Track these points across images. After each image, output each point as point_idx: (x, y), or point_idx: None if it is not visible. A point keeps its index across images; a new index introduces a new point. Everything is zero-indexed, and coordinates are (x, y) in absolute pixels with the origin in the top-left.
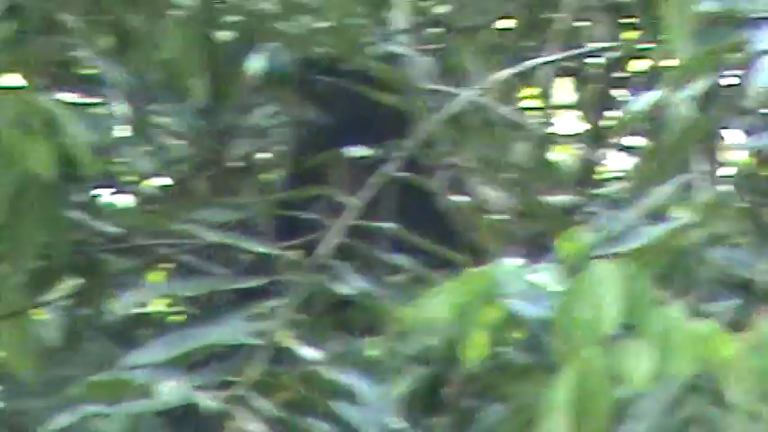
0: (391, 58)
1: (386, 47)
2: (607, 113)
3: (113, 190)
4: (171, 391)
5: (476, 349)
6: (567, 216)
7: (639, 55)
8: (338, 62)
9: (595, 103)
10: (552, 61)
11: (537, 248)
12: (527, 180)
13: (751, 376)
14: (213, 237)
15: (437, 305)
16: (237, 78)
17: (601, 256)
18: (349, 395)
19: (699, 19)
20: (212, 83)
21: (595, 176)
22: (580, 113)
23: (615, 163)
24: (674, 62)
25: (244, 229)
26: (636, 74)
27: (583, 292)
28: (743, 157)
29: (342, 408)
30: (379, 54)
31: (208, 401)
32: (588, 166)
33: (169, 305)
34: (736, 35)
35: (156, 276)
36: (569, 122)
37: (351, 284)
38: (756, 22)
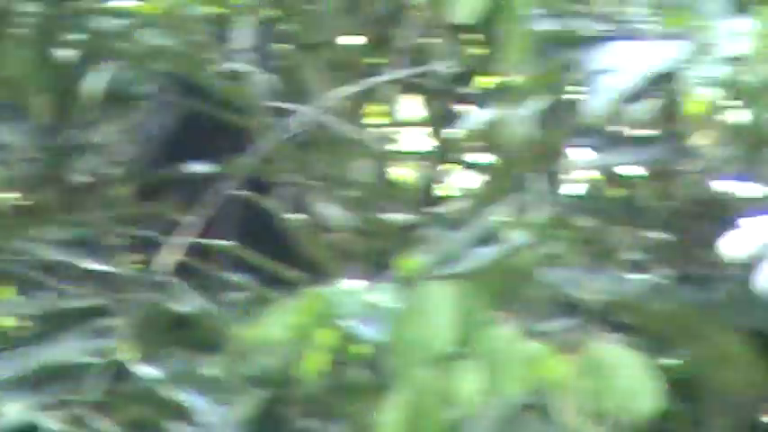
0: (234, 76)
1: (229, 64)
2: (450, 130)
3: None
4: (15, 412)
5: (312, 370)
6: (407, 235)
7: (485, 71)
8: (182, 79)
9: (440, 120)
10: (396, 78)
11: (376, 267)
12: (367, 198)
13: (581, 396)
14: (51, 254)
15: (275, 325)
16: (80, 96)
17: (437, 277)
18: (188, 415)
19: (536, 37)
20: (55, 101)
21: (437, 195)
22: (426, 130)
23: (459, 181)
24: (514, 79)
25: (89, 245)
26: (481, 90)
27: (416, 313)
28: (593, 175)
29: (180, 428)
30: (222, 72)
31: (49, 423)
32: (430, 184)
33: (16, 321)
34: (571, 54)
35: (3, 292)
36: (415, 139)
37: (189, 302)
38: (590, 41)
